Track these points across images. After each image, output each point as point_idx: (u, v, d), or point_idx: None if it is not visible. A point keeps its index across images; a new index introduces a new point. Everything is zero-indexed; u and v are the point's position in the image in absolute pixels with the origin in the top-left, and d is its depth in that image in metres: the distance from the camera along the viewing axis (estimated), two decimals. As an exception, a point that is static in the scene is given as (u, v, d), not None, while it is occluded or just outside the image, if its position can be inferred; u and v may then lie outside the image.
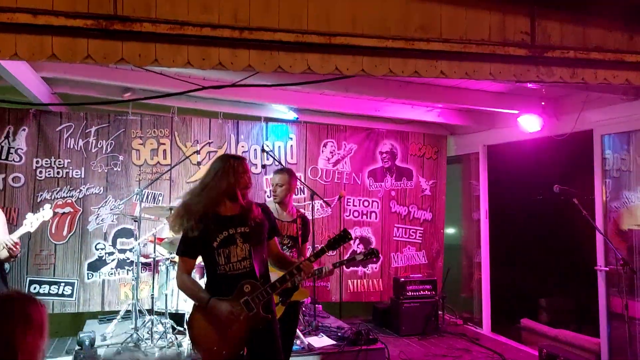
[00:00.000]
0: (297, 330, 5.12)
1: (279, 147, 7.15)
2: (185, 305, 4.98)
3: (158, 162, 6.56)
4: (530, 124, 5.80)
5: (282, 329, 3.77)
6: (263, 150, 6.11)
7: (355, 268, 7.33)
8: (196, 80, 5.28)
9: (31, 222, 4.01)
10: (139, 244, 5.46)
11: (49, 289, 6.16)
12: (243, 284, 2.94)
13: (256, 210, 3.13)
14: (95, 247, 6.37)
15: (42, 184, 6.17)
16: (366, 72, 2.85)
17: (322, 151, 7.33)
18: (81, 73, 5.45)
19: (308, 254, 4.15)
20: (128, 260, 6.28)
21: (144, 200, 6.40)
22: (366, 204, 7.45)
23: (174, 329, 5.20)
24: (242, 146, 6.95)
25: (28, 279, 6.08)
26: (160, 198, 6.54)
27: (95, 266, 6.36)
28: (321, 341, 5.10)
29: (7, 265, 4.84)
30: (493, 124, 6.79)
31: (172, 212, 3.24)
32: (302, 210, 5.02)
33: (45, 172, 6.19)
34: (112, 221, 6.41)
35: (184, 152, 6.43)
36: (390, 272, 7.38)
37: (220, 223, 2.99)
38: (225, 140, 6.89)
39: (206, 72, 4.49)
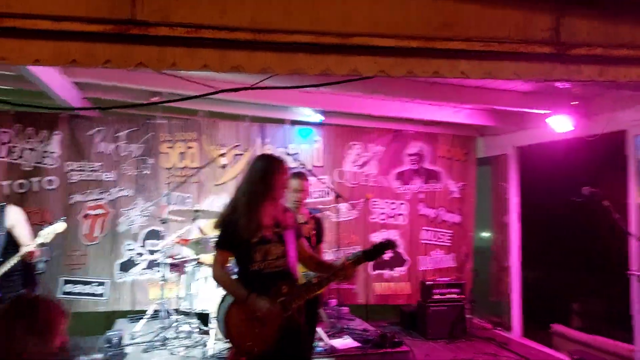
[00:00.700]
0: (321, 332, 5.13)
1: (305, 150, 7.16)
2: (210, 305, 5.02)
3: (186, 165, 6.65)
4: (560, 124, 5.65)
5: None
6: (288, 153, 6.12)
7: (381, 271, 7.27)
8: (218, 84, 5.35)
9: (46, 234, 4.10)
10: (165, 245, 5.53)
11: (82, 289, 6.32)
12: (281, 284, 3.00)
13: (288, 212, 3.25)
14: (126, 248, 6.51)
15: (74, 186, 6.34)
16: (386, 72, 2.81)
17: (349, 153, 7.30)
18: (110, 78, 5.57)
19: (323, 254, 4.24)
20: (157, 261, 6.37)
21: (172, 202, 6.52)
22: (393, 206, 7.39)
23: (199, 328, 5.26)
24: (268, 149, 6.98)
25: (62, 278, 6.25)
26: (189, 200, 6.62)
27: (126, 266, 6.50)
28: (345, 343, 5.08)
29: (41, 265, 5.00)
30: (523, 124, 6.63)
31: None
32: (318, 214, 5.01)
33: (78, 175, 6.36)
34: (142, 223, 6.54)
35: (211, 155, 6.49)
36: (417, 275, 7.30)
37: (260, 221, 3.04)
38: (252, 143, 6.94)
39: (227, 75, 4.50)
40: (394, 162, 7.40)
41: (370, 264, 7.19)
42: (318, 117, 6.94)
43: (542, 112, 5.74)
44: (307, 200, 6.80)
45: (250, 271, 3.01)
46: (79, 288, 6.30)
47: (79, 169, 6.35)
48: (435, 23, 2.81)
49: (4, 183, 5.98)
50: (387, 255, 7.32)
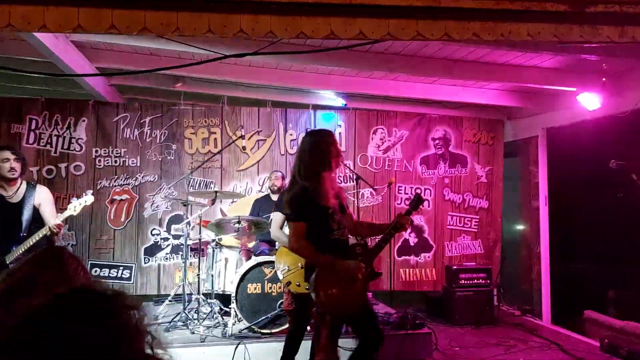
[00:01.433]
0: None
1: (329, 134, 7.11)
2: (231, 286, 5.03)
3: (209, 150, 6.70)
4: (590, 101, 5.45)
5: None
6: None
7: (407, 257, 7.17)
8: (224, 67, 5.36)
9: (74, 207, 4.15)
10: (187, 225, 5.57)
11: (109, 273, 6.44)
12: (354, 245, 3.21)
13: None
14: (151, 232, 6.60)
15: (101, 172, 6.46)
16: (392, 35, 2.75)
17: (372, 138, 7.23)
18: (133, 63, 5.64)
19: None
20: (182, 246, 6.45)
21: (196, 187, 6.58)
22: (418, 191, 7.27)
23: (220, 309, 5.29)
24: (291, 134, 6.98)
25: (89, 262, 6.38)
26: (212, 185, 6.67)
27: (151, 251, 6.59)
28: (366, 325, 5.01)
29: (70, 249, 5.09)
30: (552, 105, 6.43)
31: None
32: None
33: (104, 160, 6.48)
34: (167, 208, 6.62)
35: (233, 140, 6.51)
36: (443, 261, 7.17)
37: (328, 193, 3.15)
38: (274, 128, 6.94)
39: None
40: (419, 146, 7.28)
41: (395, 250, 7.12)
42: (340, 102, 6.90)
43: (570, 89, 5.55)
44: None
45: (330, 239, 3.15)
46: (106, 272, 6.43)
47: (105, 154, 6.47)
48: (444, -19, 2.73)
49: (33, 169, 6.13)
50: (413, 241, 7.24)
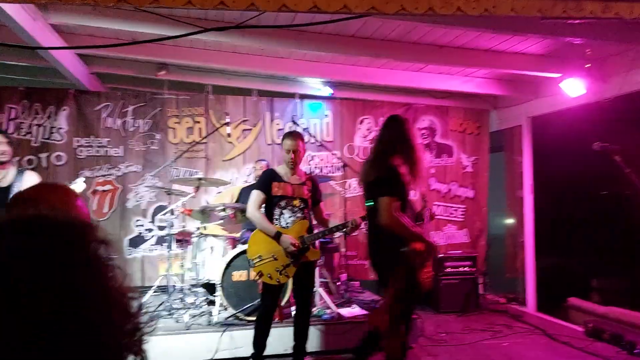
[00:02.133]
0: (328, 301, 5.06)
1: (315, 124, 7.08)
2: (216, 275, 4.97)
3: (194, 140, 6.62)
4: (574, 88, 5.46)
5: (300, 285, 4.11)
6: (293, 122, 6.04)
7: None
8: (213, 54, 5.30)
9: None
10: (170, 214, 5.49)
11: (92, 265, 6.32)
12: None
13: None
14: (135, 223, 6.51)
15: (82, 162, 6.35)
16: (377, 9, 2.71)
17: (359, 128, 7.20)
18: (117, 50, 5.55)
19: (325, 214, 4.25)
20: (166, 237, 6.36)
21: (180, 176, 6.50)
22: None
23: (206, 298, 5.23)
24: (277, 123, 6.92)
25: (71, 254, 6.26)
26: (197, 176, 6.58)
27: (135, 242, 6.50)
28: (352, 311, 5.00)
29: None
30: (536, 93, 6.45)
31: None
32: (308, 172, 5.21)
33: (86, 150, 6.37)
34: (151, 198, 6.53)
35: (217, 127, 6.44)
36: (430, 250, 7.16)
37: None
38: (260, 117, 6.88)
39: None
40: (405, 136, 7.26)
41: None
42: (327, 91, 6.85)
43: (555, 75, 5.56)
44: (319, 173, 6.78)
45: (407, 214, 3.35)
46: (89, 264, 6.31)
47: (87, 144, 6.36)
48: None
49: (13, 159, 5.99)
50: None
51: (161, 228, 6.45)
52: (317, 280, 5.17)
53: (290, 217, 4.03)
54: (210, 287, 5.27)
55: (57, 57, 5.21)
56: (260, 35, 4.70)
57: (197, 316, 4.97)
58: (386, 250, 3.28)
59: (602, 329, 5.04)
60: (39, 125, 6.20)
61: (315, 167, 6.95)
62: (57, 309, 0.70)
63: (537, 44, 5.10)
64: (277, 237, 3.91)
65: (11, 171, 4.09)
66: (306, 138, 6.87)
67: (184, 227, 5.34)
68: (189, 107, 6.67)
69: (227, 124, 5.96)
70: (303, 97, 7.03)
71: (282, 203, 4.01)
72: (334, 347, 4.68)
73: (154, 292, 5.82)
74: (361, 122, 7.20)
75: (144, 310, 0.87)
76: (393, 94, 7.17)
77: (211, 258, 5.25)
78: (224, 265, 4.82)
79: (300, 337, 4.12)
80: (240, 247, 4.95)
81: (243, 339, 4.50)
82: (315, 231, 4.14)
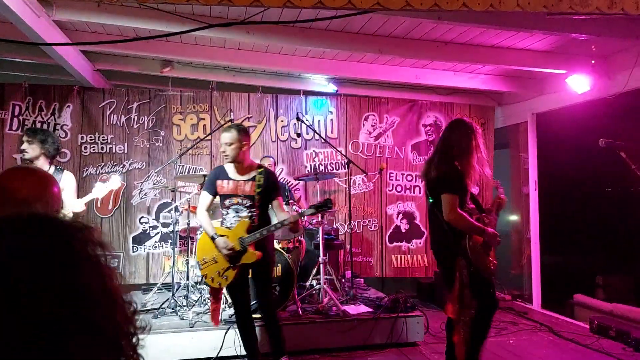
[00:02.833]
0: (334, 298, 5.05)
1: (319, 121, 7.06)
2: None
3: (198, 137, 6.61)
4: (579, 84, 5.44)
5: (236, 288, 3.89)
6: (298, 118, 6.02)
7: (398, 243, 7.15)
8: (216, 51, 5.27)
9: (100, 189, 4.24)
10: (175, 211, 5.49)
11: (96, 262, 6.33)
12: (482, 217, 3.52)
13: None
14: (140, 220, 6.51)
15: (87, 159, 6.36)
16: (381, 5, 2.70)
17: (363, 125, 7.18)
18: (121, 47, 5.54)
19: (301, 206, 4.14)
20: (171, 234, 6.37)
21: (185, 174, 6.50)
22: (409, 178, 7.25)
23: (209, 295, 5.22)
24: (282, 120, 6.91)
25: (76, 251, 6.27)
26: (201, 173, 6.59)
27: (140, 239, 6.51)
28: (357, 309, 4.98)
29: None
30: (541, 90, 6.42)
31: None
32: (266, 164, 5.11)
33: (90, 147, 6.37)
34: (155, 195, 6.53)
35: (222, 124, 6.43)
36: (435, 247, 7.14)
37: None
38: (265, 114, 6.86)
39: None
40: (410, 133, 7.25)
41: (386, 237, 7.09)
42: (332, 88, 6.83)
43: (560, 72, 5.53)
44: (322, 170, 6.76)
45: (466, 210, 3.41)
46: (93, 261, 6.32)
47: (91, 141, 6.37)
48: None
49: (17, 156, 6.02)
50: (404, 227, 7.21)
51: (165, 225, 6.46)
52: (322, 277, 5.17)
53: (234, 217, 3.83)
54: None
55: (62, 53, 5.21)
56: (265, 32, 4.69)
57: (202, 313, 4.96)
58: (448, 244, 3.44)
59: (607, 325, 5.02)
60: (42, 122, 6.20)
61: (320, 164, 6.94)
62: (57, 309, 0.69)
63: (542, 40, 5.07)
64: (213, 239, 3.78)
65: (49, 170, 4.07)
66: (310, 135, 6.94)
67: (188, 224, 5.33)
68: (193, 104, 6.66)
69: (231, 120, 5.94)
70: (307, 93, 7.02)
71: (227, 202, 3.85)
72: (339, 344, 4.67)
73: (159, 289, 5.86)
74: (366, 118, 7.18)
75: (139, 313, 0.86)
76: (398, 91, 7.15)
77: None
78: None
79: (271, 342, 3.92)
80: (245, 244, 4.95)
81: (248, 336, 4.49)
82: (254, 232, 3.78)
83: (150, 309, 5.16)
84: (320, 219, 5.40)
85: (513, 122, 7.24)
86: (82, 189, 5.91)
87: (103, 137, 6.39)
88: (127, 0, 2.48)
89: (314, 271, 5.47)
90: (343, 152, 6.81)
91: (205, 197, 3.89)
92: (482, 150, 3.52)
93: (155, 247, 6.52)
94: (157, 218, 6.53)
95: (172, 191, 5.53)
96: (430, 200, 3.54)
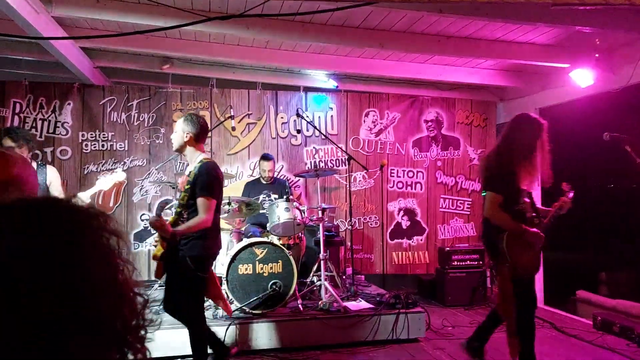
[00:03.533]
0: (334, 294, 5.02)
1: (319, 117, 7.03)
2: (222, 268, 4.95)
3: (199, 133, 6.57)
4: (583, 78, 5.39)
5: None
6: (298, 115, 5.99)
7: (399, 240, 7.13)
8: (214, 46, 5.22)
9: (105, 181, 4.23)
10: (173, 208, 5.47)
11: (97, 259, 6.32)
12: (532, 217, 3.55)
13: None
14: (140, 217, 6.50)
15: (88, 156, 6.34)
16: (383, -4, 2.67)
17: (364, 121, 7.15)
18: (121, 43, 5.52)
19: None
20: (171, 231, 6.35)
21: (184, 171, 6.47)
22: (411, 174, 7.22)
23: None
24: (282, 117, 6.88)
25: (77, 249, 6.26)
26: (202, 170, 6.56)
27: (141, 236, 6.49)
28: (358, 305, 4.95)
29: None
30: (544, 84, 6.38)
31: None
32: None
33: (91, 145, 6.36)
34: (156, 192, 6.52)
35: (222, 121, 6.41)
36: (436, 244, 7.12)
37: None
38: (265, 111, 6.83)
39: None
40: (411, 129, 7.22)
41: (387, 233, 7.05)
42: (332, 84, 6.80)
43: (564, 65, 5.49)
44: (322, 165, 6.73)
45: (515, 210, 3.47)
46: (95, 258, 6.31)
47: (92, 138, 6.35)
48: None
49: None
50: (405, 224, 7.18)
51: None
52: (323, 274, 5.14)
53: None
54: (215, 281, 5.24)
55: (62, 50, 5.19)
56: (264, 27, 4.66)
57: (204, 309, 4.93)
58: (490, 239, 3.58)
59: (611, 321, 4.99)
60: (43, 120, 6.19)
61: (320, 161, 6.91)
62: (57, 309, 0.69)
63: (545, 33, 5.03)
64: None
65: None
66: (310, 131, 6.90)
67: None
68: (193, 101, 6.63)
69: (231, 117, 5.91)
70: (307, 90, 6.98)
71: None
72: (340, 340, 4.64)
73: (160, 285, 5.83)
74: (366, 114, 7.14)
75: (148, 307, 0.84)
76: (399, 86, 7.12)
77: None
78: (229, 259, 4.79)
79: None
80: (246, 241, 4.93)
81: (249, 333, 4.48)
82: None
83: (150, 306, 5.13)
84: (320, 215, 5.37)
85: (515, 117, 7.19)
86: (84, 187, 5.90)
87: (103, 134, 6.37)
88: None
89: (315, 268, 5.45)
90: (343, 149, 6.78)
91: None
92: (547, 148, 3.55)
93: (157, 244, 6.48)
94: (158, 215, 6.50)
95: (173, 188, 5.49)
96: (483, 194, 3.71)
